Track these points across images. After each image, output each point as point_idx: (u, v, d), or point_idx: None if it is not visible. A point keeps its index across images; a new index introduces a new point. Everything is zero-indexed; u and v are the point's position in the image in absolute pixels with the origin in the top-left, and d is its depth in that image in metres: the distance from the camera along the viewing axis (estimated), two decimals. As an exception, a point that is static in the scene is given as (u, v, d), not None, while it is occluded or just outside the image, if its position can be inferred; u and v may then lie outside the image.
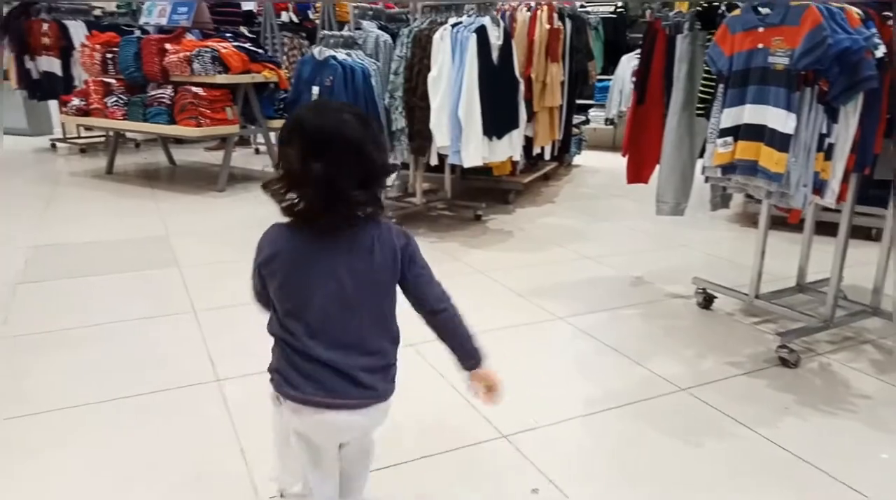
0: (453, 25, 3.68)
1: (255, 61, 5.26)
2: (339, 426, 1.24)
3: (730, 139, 2.13)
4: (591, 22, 6.28)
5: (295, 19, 6.72)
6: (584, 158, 6.77)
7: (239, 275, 3.56)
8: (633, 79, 6.82)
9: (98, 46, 5.47)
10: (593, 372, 2.39)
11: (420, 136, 3.86)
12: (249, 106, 5.40)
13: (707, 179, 2.30)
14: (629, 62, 6.96)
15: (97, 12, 6.81)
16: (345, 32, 4.09)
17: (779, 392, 2.22)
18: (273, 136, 6.16)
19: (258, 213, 4.59)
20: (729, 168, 2.17)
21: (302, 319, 1.22)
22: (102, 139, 7.25)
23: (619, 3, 7.28)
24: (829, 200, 2.07)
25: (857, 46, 1.84)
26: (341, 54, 3.90)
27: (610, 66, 7.09)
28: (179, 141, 7.04)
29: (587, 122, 6.98)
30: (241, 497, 1.66)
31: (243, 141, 7.11)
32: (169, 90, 5.06)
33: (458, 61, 3.63)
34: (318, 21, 6.72)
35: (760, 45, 2.01)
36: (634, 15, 7.33)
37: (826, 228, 3.07)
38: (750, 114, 2.07)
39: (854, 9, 1.92)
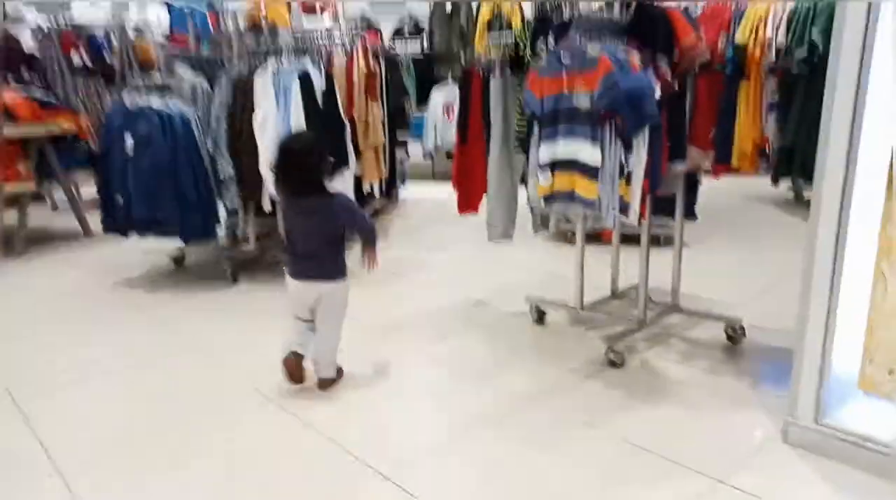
0: (274, 70, 3.67)
1: (47, 109, 4.80)
2: (300, 289, 2.49)
3: (548, 172, 2.40)
4: (403, 61, 6.58)
5: (88, 61, 6.20)
6: (408, 191, 7.01)
7: (63, 349, 3.25)
8: (445, 114, 7.29)
9: None
10: (452, 399, 2.52)
11: (251, 182, 3.78)
12: (45, 159, 4.90)
13: (532, 209, 2.55)
14: (439, 98, 7.40)
15: None
16: (157, 79, 3.90)
17: (613, 391, 2.51)
18: (76, 190, 5.62)
19: (72, 277, 4.22)
20: (550, 198, 2.44)
21: (290, 238, 2.51)
22: None
23: (426, 47, 7.69)
24: (633, 218, 2.41)
25: (641, 87, 2.19)
26: (156, 101, 3.72)
27: (423, 100, 7.45)
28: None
29: (408, 156, 7.25)
30: None
31: (38, 197, 6.37)
32: (-58, 147, 4.43)
33: (283, 105, 3.63)
34: (114, 63, 6.28)
35: (566, 90, 2.31)
36: (440, 52, 7.79)
37: (624, 239, 3.51)
38: (563, 149, 2.36)
39: (635, 57, 2.27)
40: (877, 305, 1.94)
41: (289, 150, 2.42)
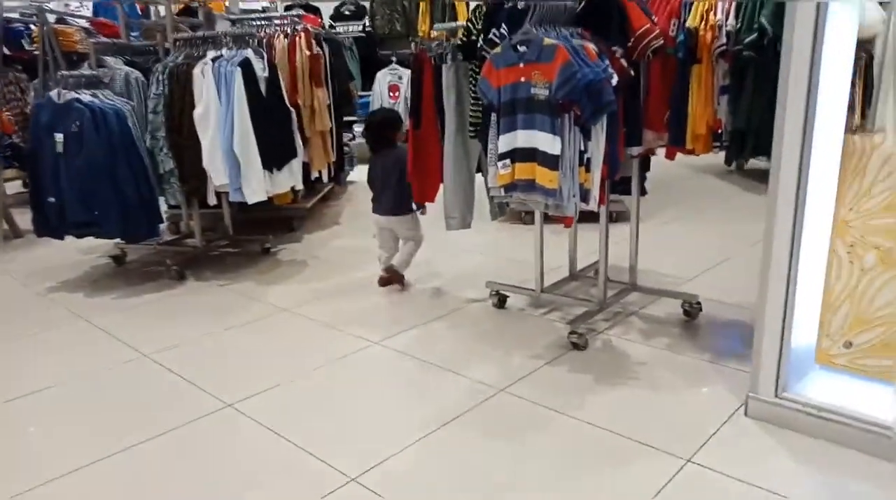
0: (213, 59, 3.52)
1: (-34, 104, 4.48)
2: (379, 220, 3.47)
3: (508, 162, 2.38)
4: (345, 43, 6.42)
5: (7, 51, 5.79)
6: (357, 174, 6.88)
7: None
8: (390, 95, 7.22)
9: None
10: (420, 392, 2.51)
11: (194, 176, 3.64)
12: (-36, 157, 4.59)
13: (492, 199, 2.53)
14: (384, 77, 7.30)
15: None
16: (86, 71, 3.68)
17: (578, 375, 2.54)
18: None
19: (1, 283, 3.96)
20: (511, 187, 2.42)
21: (373, 185, 3.49)
22: None
23: (367, 23, 7.53)
24: (593, 205, 2.42)
25: (598, 78, 2.18)
26: (86, 96, 3.51)
27: (367, 82, 7.32)
28: None
29: (353, 138, 7.12)
30: None
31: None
32: None
33: (224, 96, 3.48)
34: (36, 52, 5.89)
35: (523, 79, 2.28)
36: (381, 33, 7.64)
37: (581, 215, 3.54)
38: (522, 138, 2.34)
39: (590, 45, 2.26)
40: (831, 283, 2.01)
41: (371, 122, 3.60)
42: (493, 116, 2.41)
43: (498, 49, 2.37)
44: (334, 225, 5.11)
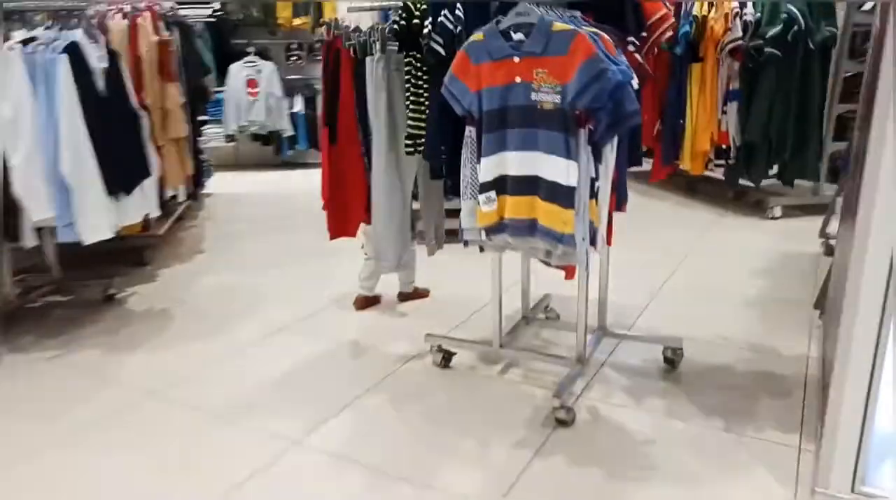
0: (24, 42, 2.47)
1: None
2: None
3: (493, 194, 1.72)
4: (195, 28, 5.35)
5: None
6: (214, 183, 5.80)
7: None
8: (248, 91, 6.21)
9: None
10: (380, 524, 1.77)
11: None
12: None
13: (466, 244, 1.85)
14: (240, 72, 6.30)
15: None
16: None
17: (581, 469, 1.94)
18: None
19: None
20: (496, 229, 1.75)
21: None
22: None
23: (217, 7, 6.43)
24: (601, 246, 1.83)
25: (627, 79, 1.58)
26: None
27: (220, 76, 6.26)
28: None
29: (209, 142, 6.04)
30: None
31: None
32: None
33: (44, 95, 2.45)
34: None
35: (519, 79, 1.62)
36: (236, 19, 6.58)
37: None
38: (515, 162, 1.68)
39: (604, 35, 1.66)
40: (928, 348, 1.58)
41: None
42: (471, 131, 1.72)
43: (478, 36, 1.68)
44: (197, 254, 4.10)
